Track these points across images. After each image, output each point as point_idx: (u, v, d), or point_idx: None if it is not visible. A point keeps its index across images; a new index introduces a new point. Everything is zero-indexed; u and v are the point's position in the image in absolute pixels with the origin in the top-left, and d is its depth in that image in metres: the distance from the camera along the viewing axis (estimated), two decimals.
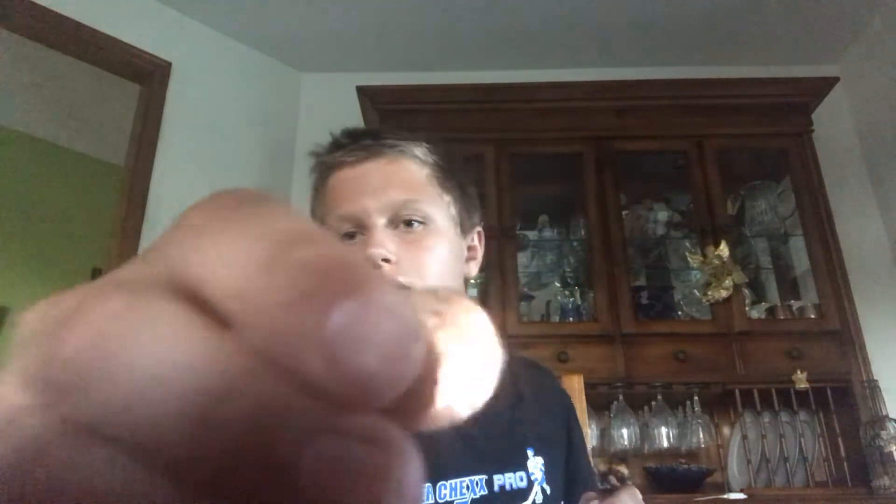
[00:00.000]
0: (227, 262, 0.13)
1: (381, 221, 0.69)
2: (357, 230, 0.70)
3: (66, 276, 3.42)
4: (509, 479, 0.73)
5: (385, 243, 0.67)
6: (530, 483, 0.74)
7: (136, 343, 0.12)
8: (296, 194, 2.71)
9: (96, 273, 3.22)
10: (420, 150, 0.74)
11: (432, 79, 2.64)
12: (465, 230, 0.78)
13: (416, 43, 2.72)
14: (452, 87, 2.40)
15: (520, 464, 0.74)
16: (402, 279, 0.66)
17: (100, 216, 3.17)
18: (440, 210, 0.73)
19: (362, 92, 2.36)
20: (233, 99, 2.64)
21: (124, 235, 2.20)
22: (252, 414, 0.11)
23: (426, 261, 0.69)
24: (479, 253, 0.83)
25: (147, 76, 2.43)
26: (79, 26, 2.26)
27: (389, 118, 2.37)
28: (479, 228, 0.82)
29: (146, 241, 2.24)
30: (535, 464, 0.75)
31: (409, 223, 0.70)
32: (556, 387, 0.91)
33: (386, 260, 0.66)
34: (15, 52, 2.83)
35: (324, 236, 0.13)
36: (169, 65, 2.46)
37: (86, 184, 3.57)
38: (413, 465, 0.13)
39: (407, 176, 0.72)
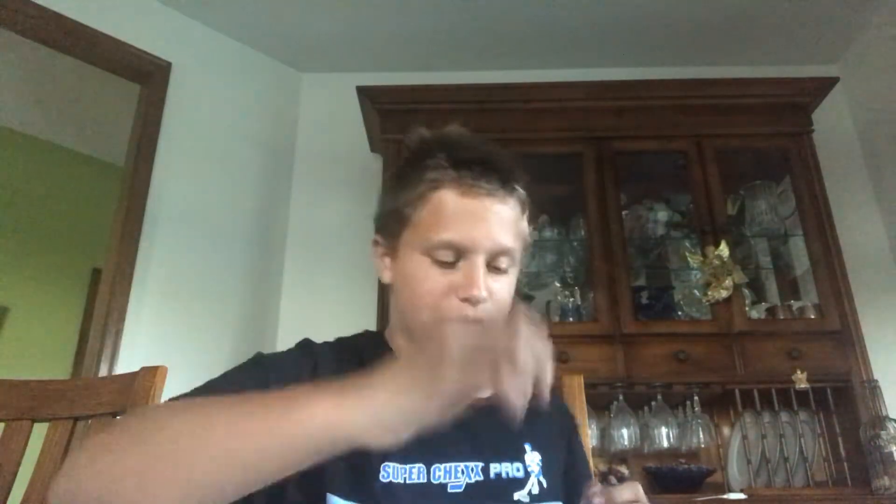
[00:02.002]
0: None
1: (483, 260, 0.73)
2: (457, 259, 0.73)
3: (66, 276, 3.43)
4: (506, 468, 0.75)
5: (484, 284, 0.73)
6: (527, 474, 0.76)
7: None
8: (296, 194, 2.71)
9: (96, 273, 3.22)
10: (525, 191, 0.78)
11: (432, 79, 2.64)
12: None
13: (416, 43, 2.72)
14: (452, 87, 2.40)
15: (517, 456, 0.76)
16: (483, 315, 0.73)
17: (100, 216, 3.17)
18: (520, 251, 0.78)
19: (362, 92, 2.36)
20: (233, 99, 2.64)
21: (124, 235, 2.20)
22: None
23: (503, 304, 0.76)
24: None
25: (147, 76, 2.43)
26: (79, 26, 2.26)
27: (389, 118, 2.37)
28: None
29: (146, 241, 2.24)
30: (533, 458, 0.77)
31: (499, 268, 0.75)
32: (557, 402, 0.93)
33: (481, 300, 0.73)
34: (15, 51, 2.83)
35: None
36: (169, 65, 2.46)
37: (86, 184, 3.57)
38: None
39: (517, 225, 0.76)
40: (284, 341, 2.66)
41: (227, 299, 2.39)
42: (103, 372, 2.02)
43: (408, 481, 0.69)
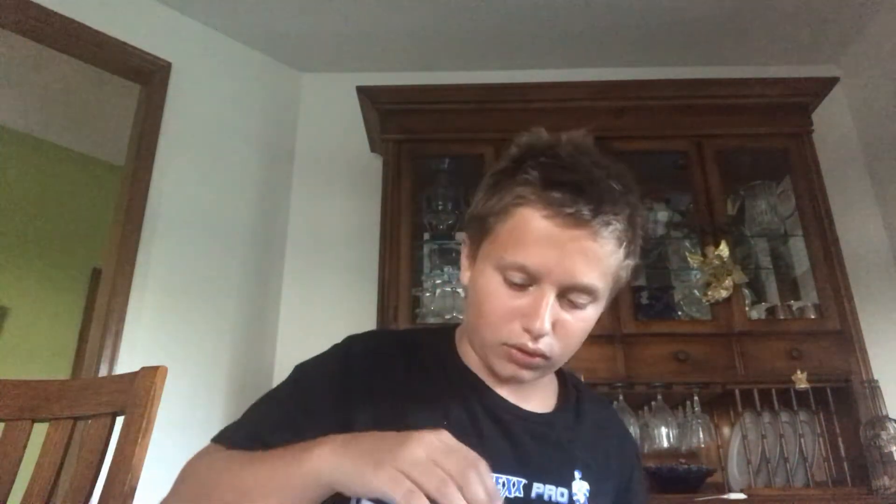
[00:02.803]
0: None
1: (554, 292, 0.68)
2: (529, 284, 0.69)
3: (66, 276, 3.43)
4: (549, 491, 0.72)
5: (549, 318, 0.68)
6: (572, 502, 0.73)
7: None
8: (296, 194, 2.71)
9: (96, 273, 3.23)
10: (625, 223, 0.70)
11: (432, 79, 2.64)
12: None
13: (416, 43, 2.72)
14: (452, 87, 2.40)
15: (564, 481, 0.74)
16: (545, 349, 0.69)
17: (100, 216, 3.18)
18: (607, 289, 0.72)
19: (362, 92, 2.36)
20: (233, 99, 2.64)
21: (124, 235, 2.20)
22: None
23: (573, 340, 0.72)
24: None
25: (147, 76, 2.43)
26: (79, 26, 2.26)
27: (389, 118, 2.37)
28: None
29: (146, 241, 2.24)
30: (580, 487, 0.74)
31: (574, 302, 0.70)
32: (624, 435, 0.90)
33: (542, 334, 0.69)
34: (15, 51, 2.83)
35: None
36: (169, 65, 2.46)
37: (86, 184, 3.58)
38: None
39: (605, 261, 0.69)
40: (284, 341, 2.67)
41: (227, 299, 2.39)
42: (103, 372, 2.02)
43: None
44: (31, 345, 3.23)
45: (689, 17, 2.57)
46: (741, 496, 1.85)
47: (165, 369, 1.01)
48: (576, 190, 0.66)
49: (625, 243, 0.70)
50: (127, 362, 2.06)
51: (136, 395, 0.99)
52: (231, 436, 0.73)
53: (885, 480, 1.86)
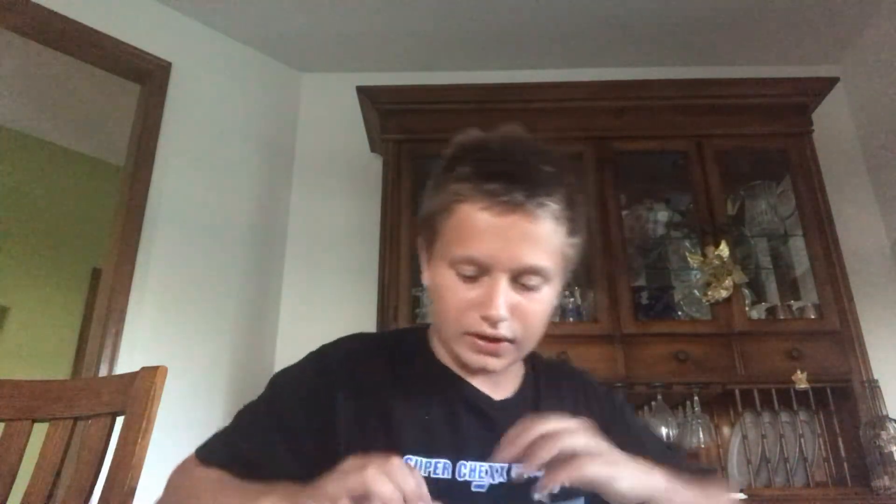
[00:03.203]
0: None
1: (506, 278, 0.71)
2: (479, 274, 0.72)
3: (66, 276, 3.43)
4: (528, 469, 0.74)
5: (504, 305, 0.71)
6: None
7: None
8: (295, 194, 2.71)
9: (96, 273, 3.22)
10: (562, 203, 0.72)
11: (432, 79, 2.64)
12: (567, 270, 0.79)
13: (416, 43, 2.72)
14: (452, 87, 2.40)
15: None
16: (507, 333, 0.72)
17: (100, 216, 3.18)
18: (558, 268, 0.75)
19: (362, 92, 2.36)
20: (233, 99, 2.64)
21: (124, 235, 2.20)
22: None
23: (534, 321, 0.74)
24: None
25: (147, 76, 2.43)
26: (79, 26, 2.26)
27: (389, 118, 2.37)
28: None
29: (146, 241, 2.24)
30: None
31: (526, 285, 0.72)
32: (585, 385, 0.91)
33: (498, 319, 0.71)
34: (15, 51, 2.83)
35: None
36: (169, 65, 2.46)
37: (86, 184, 3.58)
38: None
39: (548, 242, 0.72)
40: (284, 341, 2.66)
41: (227, 299, 2.39)
42: (103, 372, 2.02)
43: (432, 475, 0.71)
44: (31, 345, 3.23)
45: (689, 17, 2.57)
46: (741, 496, 1.85)
47: (165, 369, 1.02)
48: (508, 178, 0.70)
49: (564, 221, 0.73)
50: (127, 362, 2.06)
51: (136, 396, 0.99)
52: (212, 451, 0.76)
53: (885, 480, 1.86)
